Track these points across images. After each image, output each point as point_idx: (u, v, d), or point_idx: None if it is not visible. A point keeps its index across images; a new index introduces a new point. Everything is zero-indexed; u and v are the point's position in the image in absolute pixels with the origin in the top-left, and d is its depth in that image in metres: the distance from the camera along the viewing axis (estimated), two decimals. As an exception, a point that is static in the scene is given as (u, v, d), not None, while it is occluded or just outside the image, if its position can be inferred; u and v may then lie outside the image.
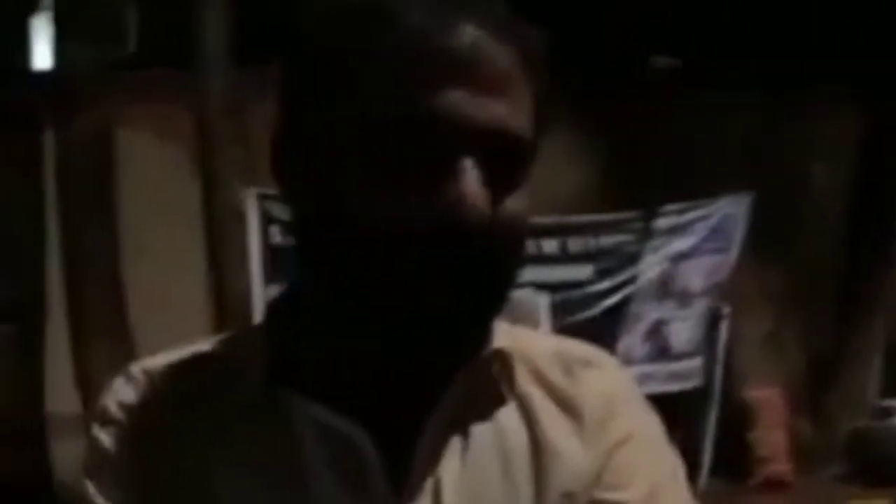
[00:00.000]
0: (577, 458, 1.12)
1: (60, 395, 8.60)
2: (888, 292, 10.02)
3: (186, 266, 8.89)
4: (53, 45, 9.00)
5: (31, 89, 9.44)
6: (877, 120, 9.65)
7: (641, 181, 9.57)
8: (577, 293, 8.65)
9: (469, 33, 1.02)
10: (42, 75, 9.85)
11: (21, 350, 9.69)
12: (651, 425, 1.18)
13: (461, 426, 1.10)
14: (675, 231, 8.90)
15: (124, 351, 7.83)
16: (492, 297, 1.06)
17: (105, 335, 8.12)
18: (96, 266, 8.29)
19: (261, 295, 7.87)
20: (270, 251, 8.03)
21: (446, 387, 1.09)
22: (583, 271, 8.66)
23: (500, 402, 1.13)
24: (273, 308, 1.15)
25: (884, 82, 9.58)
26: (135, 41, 10.31)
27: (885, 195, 9.71)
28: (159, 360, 1.15)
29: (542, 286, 8.40)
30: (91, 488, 1.10)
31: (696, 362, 9.07)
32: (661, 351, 8.97)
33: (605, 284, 8.72)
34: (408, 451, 1.08)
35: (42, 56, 10.48)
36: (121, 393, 1.13)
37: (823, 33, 9.88)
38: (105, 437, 1.11)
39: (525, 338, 1.18)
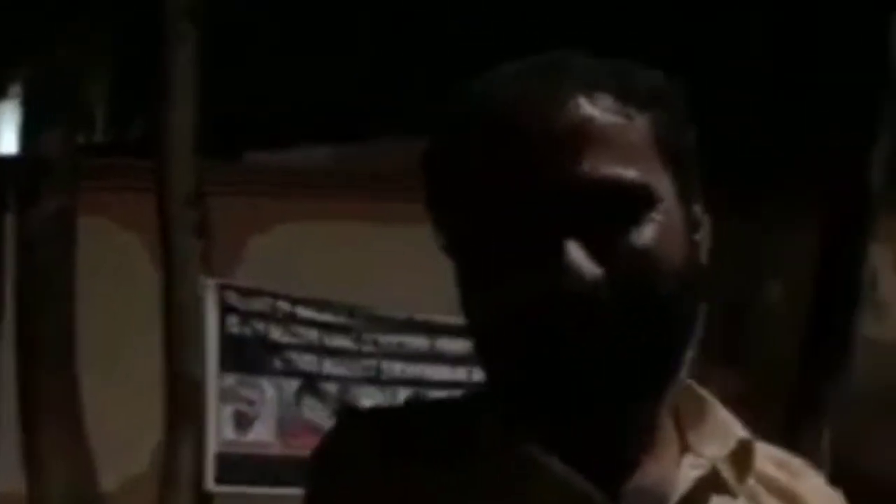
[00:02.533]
0: None
1: (5, 473, 8.49)
2: (838, 403, 10.06)
3: (142, 352, 8.83)
4: (19, 129, 9.02)
5: (-5, 172, 9.43)
6: (830, 233, 9.74)
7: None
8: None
9: (544, 102, 1.04)
10: (7, 160, 9.84)
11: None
12: None
13: None
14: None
15: (75, 434, 7.75)
16: (640, 347, 1.04)
17: (55, 418, 8.04)
18: (50, 350, 8.23)
19: (215, 383, 7.83)
20: (227, 340, 8.02)
21: (631, 447, 1.09)
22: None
23: (735, 494, 1.12)
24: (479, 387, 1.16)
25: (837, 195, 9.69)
26: (101, 128, 10.34)
27: (838, 305, 9.78)
28: (384, 406, 1.24)
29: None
30: None
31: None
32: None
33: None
34: None
35: (7, 140, 10.48)
36: (349, 431, 1.14)
37: (770, 151, 10.00)
38: (329, 474, 1.12)
39: None
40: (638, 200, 1.05)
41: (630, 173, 1.04)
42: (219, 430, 8.10)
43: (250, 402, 8.25)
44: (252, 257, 8.91)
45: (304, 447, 8.32)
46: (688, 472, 1.11)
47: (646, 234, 1.04)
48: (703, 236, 1.11)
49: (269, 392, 8.27)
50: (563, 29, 8.80)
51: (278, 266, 8.40)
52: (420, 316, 8.47)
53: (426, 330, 8.48)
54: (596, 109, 1.05)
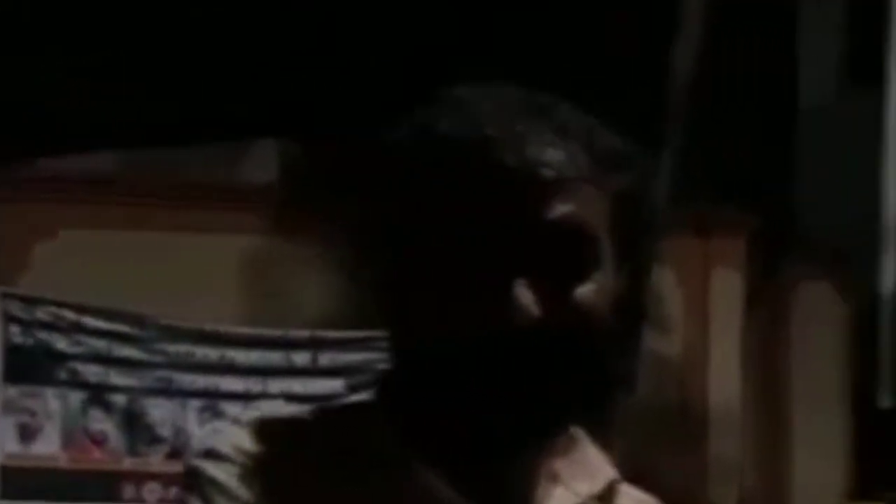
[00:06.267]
0: None
1: None
2: (623, 419, 10.23)
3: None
4: None
5: None
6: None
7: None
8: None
9: (515, 144, 1.07)
10: None
11: None
12: None
13: None
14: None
15: None
16: (559, 393, 1.08)
17: None
18: None
19: (-3, 396, 7.59)
20: (10, 350, 7.78)
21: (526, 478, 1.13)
22: (334, 385, 8.61)
23: None
24: (384, 386, 1.18)
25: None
26: None
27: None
28: (269, 414, 1.18)
29: (293, 398, 8.32)
30: None
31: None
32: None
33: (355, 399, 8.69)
34: None
35: None
36: (233, 436, 1.14)
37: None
38: (215, 470, 1.12)
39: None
40: (589, 257, 1.09)
41: (589, 230, 1.09)
42: (2, 443, 7.84)
43: (33, 414, 8.02)
44: (36, 265, 8.62)
45: (90, 460, 8.11)
46: None
47: (586, 290, 1.08)
48: (644, 297, 1.16)
49: (54, 404, 8.06)
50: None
51: (64, 274, 8.16)
52: (210, 326, 8.35)
53: (217, 341, 8.36)
54: (568, 164, 1.08)
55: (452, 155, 1.08)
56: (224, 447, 1.13)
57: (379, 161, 1.15)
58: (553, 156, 1.08)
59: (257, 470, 1.12)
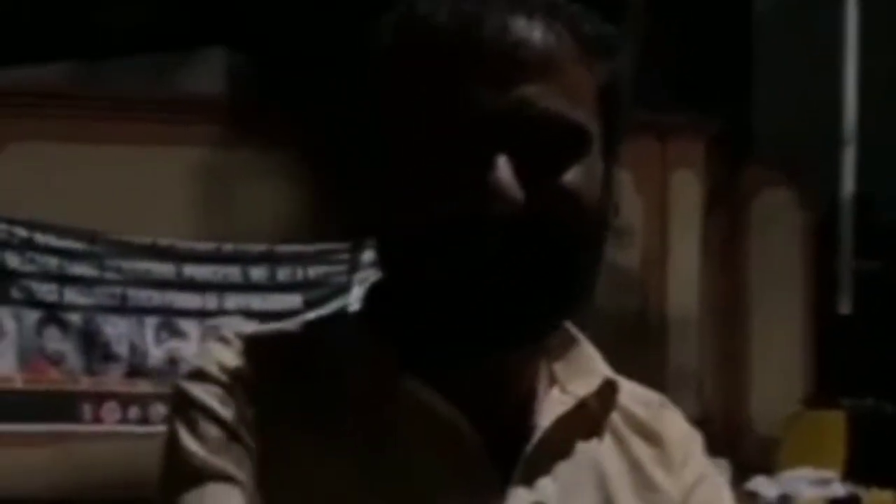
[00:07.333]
0: (672, 494, 1.17)
1: None
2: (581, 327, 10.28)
3: None
4: None
5: None
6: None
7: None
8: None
9: (496, 23, 1.04)
10: None
11: None
12: (714, 468, 1.23)
13: (564, 444, 1.14)
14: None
15: None
16: (552, 282, 1.06)
17: None
18: None
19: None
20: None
21: (523, 379, 1.12)
22: (292, 300, 8.56)
23: (599, 430, 1.17)
24: (371, 295, 1.16)
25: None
26: None
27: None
28: (256, 329, 1.16)
29: (250, 314, 8.28)
30: (184, 433, 1.09)
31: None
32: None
33: (314, 315, 8.65)
34: (512, 455, 1.10)
35: None
36: (219, 355, 1.12)
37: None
38: (201, 392, 1.10)
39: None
40: (574, 142, 1.06)
41: (574, 114, 1.05)
42: (-45, 365, 7.77)
43: (-13, 335, 7.93)
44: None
45: (47, 381, 8.03)
46: (554, 408, 1.14)
47: (573, 175, 1.05)
48: (615, 194, 1.13)
49: (9, 323, 7.97)
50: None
51: (13, 190, 8.00)
52: (165, 241, 8.25)
53: (172, 256, 8.27)
54: (555, 44, 1.06)
55: (433, 39, 1.05)
56: (209, 366, 1.11)
57: (357, 55, 1.12)
58: (539, 35, 1.05)
59: (243, 387, 1.10)
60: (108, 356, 8.14)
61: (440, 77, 1.04)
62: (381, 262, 1.11)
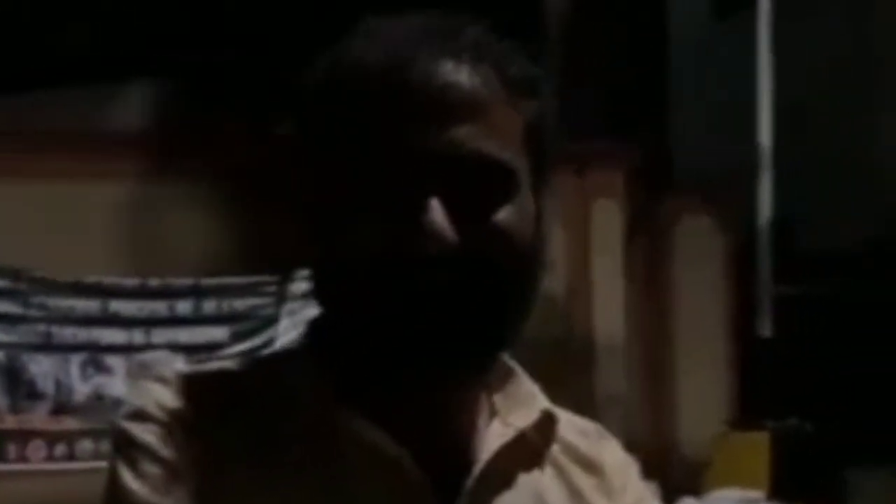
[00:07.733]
0: None
1: None
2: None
3: None
4: None
5: None
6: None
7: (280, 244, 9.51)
8: (212, 355, 8.50)
9: (424, 66, 1.06)
10: None
11: None
12: (651, 494, 1.27)
13: (505, 476, 1.15)
14: (310, 296, 8.88)
15: None
16: (485, 321, 1.07)
17: None
18: None
19: None
20: None
21: (461, 415, 1.14)
22: (219, 333, 8.53)
23: (539, 461, 1.18)
24: (311, 331, 1.18)
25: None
26: None
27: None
28: (195, 368, 1.16)
29: (177, 348, 8.24)
30: (125, 472, 1.09)
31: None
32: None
33: (241, 347, 8.62)
34: (454, 489, 1.11)
35: None
36: (158, 394, 1.12)
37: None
38: (141, 431, 1.10)
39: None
40: (503, 181, 1.08)
41: (503, 154, 1.07)
42: None
43: None
44: None
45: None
46: (495, 440, 1.16)
47: (505, 214, 1.07)
48: (546, 229, 1.15)
49: (-68, 363, 7.86)
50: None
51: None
52: (90, 278, 8.20)
53: (97, 292, 8.22)
54: (482, 86, 1.08)
55: (364, 80, 1.07)
56: (149, 406, 1.11)
57: (292, 95, 1.14)
58: (466, 78, 1.07)
59: (183, 427, 1.10)
60: (33, 394, 8.07)
61: (370, 118, 1.06)
62: (317, 298, 1.13)
